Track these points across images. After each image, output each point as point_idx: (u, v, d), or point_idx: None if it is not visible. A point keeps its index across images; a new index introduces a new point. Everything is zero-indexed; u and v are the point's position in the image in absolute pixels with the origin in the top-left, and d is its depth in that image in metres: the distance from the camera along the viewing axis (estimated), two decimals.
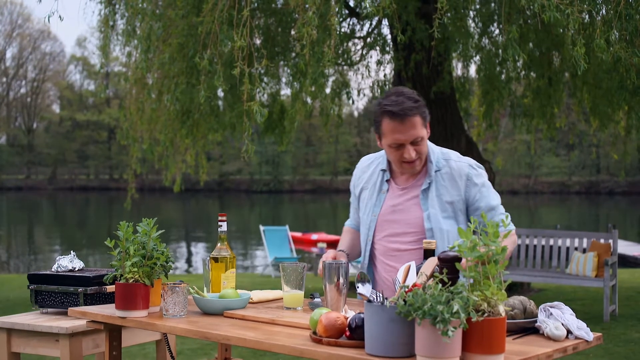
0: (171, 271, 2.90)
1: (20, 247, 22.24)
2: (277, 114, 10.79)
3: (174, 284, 2.67)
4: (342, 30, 10.13)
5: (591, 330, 2.32)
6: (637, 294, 9.73)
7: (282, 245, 13.78)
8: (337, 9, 7.08)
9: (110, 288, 3.56)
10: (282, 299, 2.94)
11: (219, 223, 3.01)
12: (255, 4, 8.94)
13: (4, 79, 58.92)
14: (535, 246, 8.57)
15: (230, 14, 7.14)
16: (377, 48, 10.33)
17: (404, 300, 1.96)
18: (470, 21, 9.87)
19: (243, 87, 6.86)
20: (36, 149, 59.39)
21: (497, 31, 9.88)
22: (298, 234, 19.20)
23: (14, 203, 46.29)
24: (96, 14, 18.26)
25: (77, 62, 61.31)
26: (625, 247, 15.89)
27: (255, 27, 8.60)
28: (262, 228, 14.01)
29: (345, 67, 11.12)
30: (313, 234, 19.77)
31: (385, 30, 10.43)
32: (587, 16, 7.00)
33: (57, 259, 3.76)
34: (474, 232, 2.10)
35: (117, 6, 9.42)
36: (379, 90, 10.88)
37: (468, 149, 9.42)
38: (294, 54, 9.54)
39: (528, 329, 2.35)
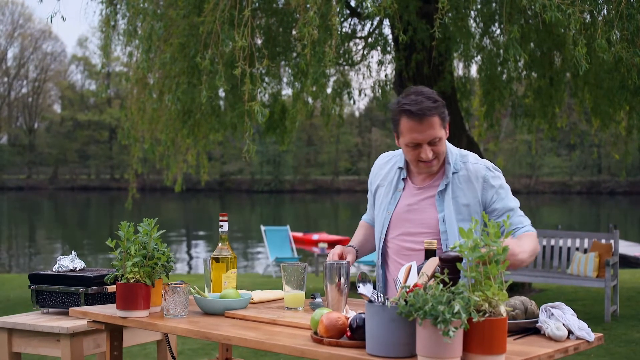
0: (172, 271, 2.90)
1: (21, 247, 22.25)
2: (278, 114, 10.79)
3: (175, 284, 2.67)
4: (343, 30, 10.14)
5: (592, 331, 2.32)
6: (638, 294, 9.72)
7: (283, 245, 13.77)
8: (338, 9, 7.08)
9: (112, 288, 3.56)
10: (283, 299, 2.93)
11: (220, 223, 3.01)
12: (257, 4, 8.94)
13: (6, 79, 58.96)
14: None
15: (231, 14, 7.14)
16: (378, 48, 10.34)
17: (405, 301, 1.96)
18: (472, 21, 9.87)
19: (244, 87, 6.86)
20: (37, 148, 59.42)
21: (498, 31, 9.88)
22: (299, 234, 19.20)
23: (15, 203, 46.32)
24: (97, 14, 18.28)
25: (78, 62, 61.37)
26: (627, 248, 15.88)
27: (257, 27, 8.60)
28: (263, 228, 14.02)
29: (346, 67, 11.12)
30: (314, 234, 19.77)
31: (387, 30, 10.44)
32: (588, 16, 7.00)
33: (58, 259, 3.76)
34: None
35: (118, 6, 9.43)
36: (380, 91, 10.89)
37: (469, 149, 9.35)
38: (295, 54, 9.54)
39: (529, 329, 2.35)
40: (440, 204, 2.86)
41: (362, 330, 2.11)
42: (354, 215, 35.13)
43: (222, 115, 10.12)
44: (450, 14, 8.65)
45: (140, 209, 31.87)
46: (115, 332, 2.85)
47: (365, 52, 10.77)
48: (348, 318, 2.23)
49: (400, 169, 3.00)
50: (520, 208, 2.93)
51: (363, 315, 2.14)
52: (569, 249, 8.44)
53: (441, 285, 1.97)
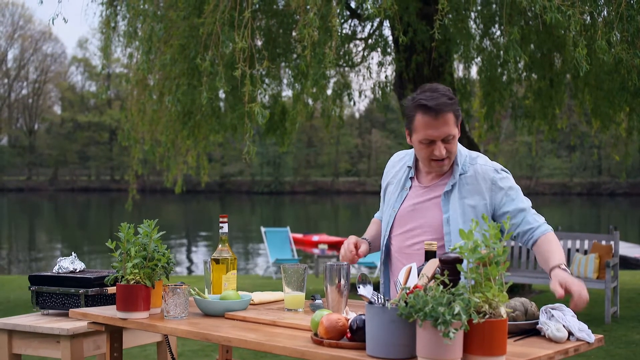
0: (172, 273, 2.90)
1: (22, 249, 22.25)
2: (279, 116, 10.79)
3: (175, 285, 2.67)
4: (344, 31, 10.14)
5: (592, 332, 2.31)
6: (639, 295, 9.72)
7: (283, 246, 13.77)
8: (338, 11, 7.08)
9: (112, 289, 3.56)
10: (283, 300, 2.93)
11: (220, 224, 3.01)
12: (257, 5, 8.95)
13: (6, 80, 58.98)
14: None
15: (231, 15, 7.15)
16: (379, 49, 10.34)
17: (405, 302, 1.96)
18: (472, 22, 9.87)
19: (244, 88, 6.87)
20: (37, 150, 59.43)
21: (498, 32, 9.88)
22: (299, 235, 19.19)
23: (15, 204, 46.32)
24: (97, 16, 18.28)
25: (78, 63, 61.41)
26: (627, 249, 15.87)
27: (257, 28, 8.60)
28: (263, 229, 14.01)
29: (346, 69, 11.13)
30: (314, 235, 19.76)
31: (387, 32, 10.44)
32: (588, 17, 7.00)
33: (58, 260, 3.76)
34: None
35: (118, 7, 9.43)
36: (380, 92, 10.89)
37: None
38: (295, 56, 9.55)
39: (529, 330, 2.35)
40: (446, 204, 2.85)
41: (362, 331, 2.11)
42: (354, 217, 35.14)
43: (222, 117, 10.12)
44: (450, 16, 8.65)
45: (140, 210, 31.86)
46: (115, 333, 2.85)
47: (365, 54, 10.77)
48: (348, 319, 2.23)
49: (409, 167, 2.98)
50: None
51: (363, 317, 2.14)
52: (569, 250, 8.44)
53: (441, 287, 1.97)
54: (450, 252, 2.16)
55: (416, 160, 2.98)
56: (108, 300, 3.56)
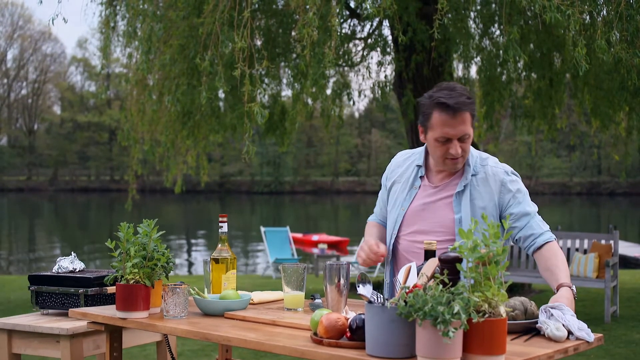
0: (172, 272, 2.90)
1: (21, 249, 22.25)
2: (278, 115, 10.79)
3: (175, 285, 2.67)
4: (343, 31, 10.14)
5: (592, 331, 2.31)
6: (638, 294, 9.72)
7: (282, 246, 13.77)
8: (337, 10, 7.08)
9: (111, 289, 3.56)
10: (282, 300, 2.93)
11: (220, 224, 3.01)
12: (256, 5, 8.94)
13: (5, 80, 58.98)
14: None
15: (231, 15, 7.14)
16: (378, 49, 10.34)
17: (405, 301, 1.96)
18: (471, 22, 9.87)
19: (244, 88, 6.87)
20: (37, 150, 59.43)
21: (497, 32, 9.88)
22: (299, 235, 19.20)
23: (15, 204, 46.32)
24: (97, 15, 18.26)
25: (78, 63, 61.41)
26: (626, 248, 15.88)
27: (256, 28, 8.60)
28: (262, 229, 14.01)
29: (346, 68, 11.12)
30: (314, 235, 19.77)
31: (386, 31, 10.44)
32: (588, 17, 7.00)
33: (57, 260, 3.76)
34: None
35: (117, 7, 9.43)
36: (379, 92, 10.89)
37: None
38: (294, 55, 9.55)
39: (531, 329, 2.35)
40: (457, 204, 2.84)
41: (362, 331, 2.11)
42: (354, 216, 35.14)
43: (221, 117, 10.12)
44: (449, 15, 8.65)
45: (140, 210, 31.87)
46: (115, 333, 2.85)
47: (364, 53, 10.77)
48: (348, 319, 2.23)
49: (419, 166, 2.97)
50: None
51: (363, 316, 2.14)
52: (568, 249, 8.45)
53: (441, 286, 1.97)
54: (449, 251, 2.16)
55: (426, 159, 2.97)
56: (108, 299, 3.56)
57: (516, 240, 2.86)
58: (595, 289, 9.38)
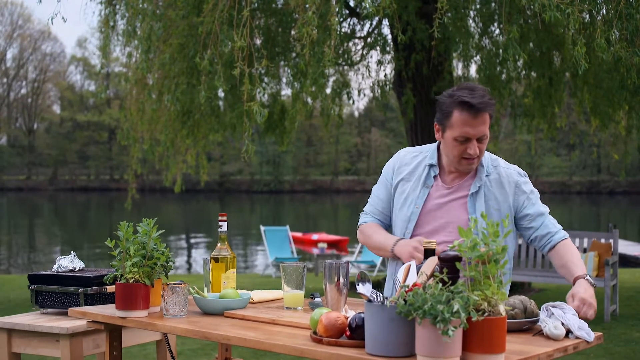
0: (171, 271, 2.90)
1: (21, 248, 22.25)
2: (278, 114, 10.78)
3: (175, 284, 2.67)
4: (343, 30, 10.13)
5: (592, 330, 2.32)
6: (638, 293, 9.72)
7: (282, 245, 13.77)
8: (337, 9, 7.08)
9: (111, 288, 3.56)
10: (282, 299, 2.93)
11: (220, 223, 3.00)
12: (256, 4, 8.94)
13: (5, 80, 58.96)
14: None
15: (230, 14, 7.14)
16: (378, 48, 10.33)
17: (404, 300, 1.96)
18: (471, 21, 9.86)
19: (243, 87, 6.86)
20: (37, 149, 59.41)
21: (497, 31, 9.87)
22: (299, 234, 19.20)
23: (15, 204, 46.31)
24: (96, 15, 18.25)
25: (77, 62, 61.38)
26: (626, 247, 15.87)
27: (256, 27, 8.59)
28: (262, 228, 14.02)
29: (345, 67, 11.12)
30: (313, 234, 19.77)
31: (386, 30, 10.43)
32: (587, 16, 7.00)
33: (57, 259, 3.76)
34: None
35: (117, 7, 9.43)
36: (379, 91, 10.88)
37: None
38: (294, 54, 9.54)
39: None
40: (472, 205, 2.84)
41: (362, 329, 2.11)
42: (354, 216, 35.10)
43: (221, 116, 10.11)
44: (449, 14, 8.65)
45: (139, 209, 31.86)
46: (114, 332, 2.85)
47: (364, 52, 10.77)
48: (347, 318, 2.23)
49: (430, 166, 2.93)
50: None
51: (362, 315, 2.14)
52: None
53: (440, 285, 1.97)
54: (449, 250, 2.16)
55: (439, 158, 2.94)
56: (107, 299, 3.56)
57: (531, 240, 2.90)
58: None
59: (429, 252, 2.43)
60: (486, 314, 1.94)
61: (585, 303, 2.53)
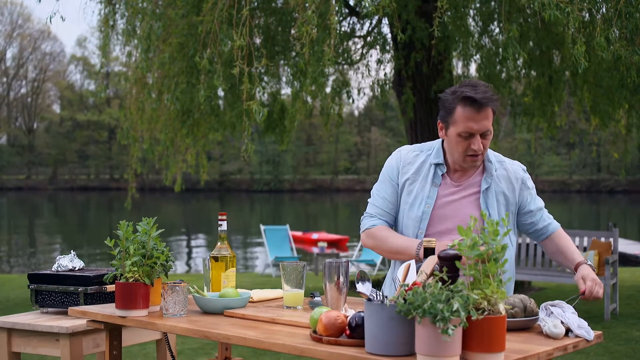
0: (171, 270, 2.90)
1: (21, 247, 22.25)
2: (278, 114, 10.78)
3: (174, 283, 2.67)
4: (342, 29, 10.13)
5: (592, 329, 2.31)
6: (638, 292, 9.72)
7: (282, 244, 13.77)
8: (336, 8, 7.08)
9: (111, 287, 3.56)
10: (282, 298, 2.93)
11: (219, 222, 3.00)
12: (255, 3, 8.94)
13: (5, 79, 58.96)
14: (535, 245, 8.57)
15: (230, 13, 7.14)
16: (377, 47, 10.33)
17: (404, 299, 1.96)
18: (470, 20, 9.86)
19: (242, 86, 6.86)
20: (37, 149, 59.41)
21: (497, 30, 9.88)
22: (298, 234, 19.20)
23: (15, 203, 46.31)
24: (96, 14, 18.27)
25: (77, 62, 61.37)
26: (626, 246, 15.88)
27: (255, 26, 8.59)
28: (262, 227, 14.02)
29: (345, 66, 11.11)
30: (313, 234, 19.77)
31: (385, 29, 10.43)
32: (587, 14, 7.00)
33: (57, 258, 3.76)
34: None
35: (117, 6, 9.42)
36: (379, 90, 10.88)
37: None
38: (294, 53, 9.54)
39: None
40: (484, 202, 2.86)
41: (361, 328, 2.11)
42: (354, 215, 35.12)
43: (221, 115, 10.11)
44: (449, 13, 8.65)
45: (139, 208, 31.87)
46: (114, 331, 2.85)
47: (364, 51, 10.76)
48: (347, 317, 2.23)
49: (437, 164, 2.91)
50: None
51: (362, 314, 2.14)
52: None
53: (440, 284, 1.97)
54: (449, 248, 2.16)
55: (444, 156, 2.92)
56: (107, 298, 3.56)
57: (530, 232, 3.00)
58: None
59: (428, 251, 2.43)
60: (486, 312, 1.94)
61: (596, 283, 2.72)
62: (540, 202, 2.99)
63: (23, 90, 60.86)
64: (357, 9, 10.06)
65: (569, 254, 2.92)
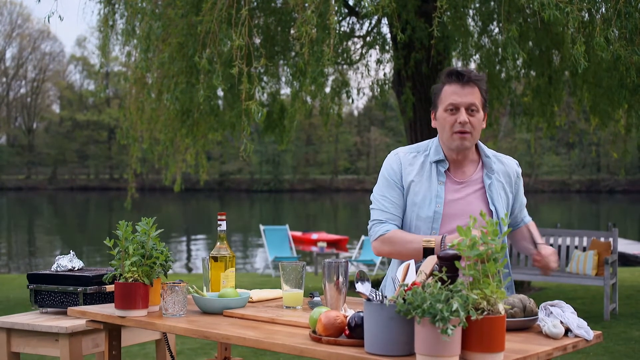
0: (171, 270, 2.90)
1: (20, 247, 22.25)
2: (277, 113, 10.79)
3: (174, 283, 2.67)
4: (342, 29, 10.13)
5: (591, 329, 2.31)
6: (638, 292, 9.73)
7: (282, 244, 13.77)
8: (336, 8, 7.08)
9: (110, 287, 3.56)
10: (281, 298, 2.93)
11: (219, 222, 3.00)
12: (254, 3, 8.94)
13: (4, 79, 58.95)
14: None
15: (229, 13, 7.14)
16: (377, 47, 10.33)
17: (404, 299, 1.96)
18: (470, 20, 9.87)
19: (242, 86, 6.86)
20: (36, 149, 59.41)
21: (496, 30, 9.88)
22: (298, 234, 19.19)
23: (14, 203, 46.30)
24: (95, 14, 18.26)
25: (76, 62, 61.39)
26: (626, 246, 15.88)
27: (255, 26, 8.59)
28: (262, 227, 14.01)
29: (344, 66, 11.12)
30: (313, 234, 19.75)
31: (385, 29, 10.43)
32: (586, 14, 7.00)
33: (56, 258, 3.76)
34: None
35: (116, 6, 9.42)
36: (378, 90, 10.89)
37: None
38: (293, 53, 9.54)
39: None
40: (490, 197, 2.88)
41: (361, 328, 2.11)
42: (353, 215, 35.14)
43: (220, 115, 10.11)
44: (448, 13, 8.65)
45: (139, 208, 31.86)
46: (113, 331, 2.85)
47: (363, 51, 10.77)
48: (346, 316, 2.23)
49: (437, 162, 2.89)
50: None
51: (361, 314, 2.14)
52: (568, 247, 8.45)
53: (439, 284, 1.96)
54: (448, 248, 2.16)
55: (444, 153, 2.91)
56: (106, 298, 3.56)
57: (509, 223, 3.06)
58: (595, 286, 9.38)
59: (427, 251, 2.43)
60: (485, 312, 1.94)
61: (553, 254, 2.81)
62: (524, 198, 3.08)
63: (22, 90, 60.92)
64: (357, 9, 10.06)
65: (535, 238, 2.98)
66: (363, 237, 13.31)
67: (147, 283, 2.69)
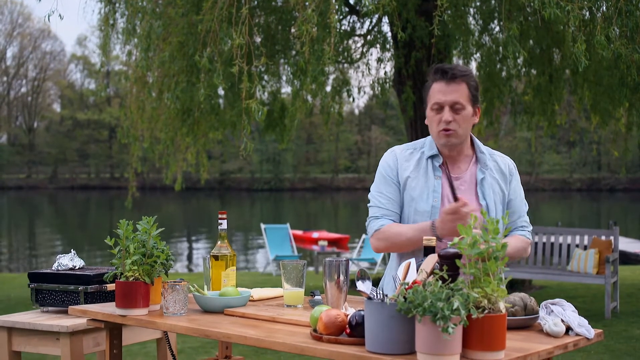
0: (171, 269, 2.90)
1: (21, 246, 22.26)
2: (278, 112, 10.78)
3: (175, 282, 2.67)
4: (342, 28, 10.13)
5: (592, 327, 2.31)
6: (638, 290, 9.73)
7: (283, 243, 13.77)
8: (336, 7, 7.08)
9: (111, 286, 3.56)
10: (282, 296, 2.93)
11: (220, 221, 3.00)
12: (255, 2, 8.94)
13: (5, 78, 58.96)
14: (536, 243, 8.58)
15: (229, 12, 7.14)
16: (378, 46, 10.33)
17: (404, 297, 1.96)
18: (471, 18, 9.86)
19: (242, 85, 6.86)
20: (37, 148, 59.41)
21: (497, 28, 9.88)
22: (299, 232, 19.19)
23: (15, 202, 46.32)
24: (96, 13, 18.26)
25: (77, 61, 61.39)
26: (627, 244, 15.88)
27: (255, 25, 8.59)
28: (263, 226, 14.02)
29: (345, 65, 11.12)
30: (314, 232, 19.76)
31: (386, 28, 10.43)
32: (587, 13, 7.00)
33: (57, 257, 3.76)
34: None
35: (117, 5, 9.42)
36: (379, 88, 10.89)
37: None
38: (294, 52, 9.54)
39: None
40: (481, 193, 2.88)
41: (362, 327, 2.11)
42: (354, 213, 35.13)
43: (221, 114, 10.11)
44: (449, 11, 8.65)
45: (140, 208, 31.87)
46: (114, 330, 2.85)
47: (364, 50, 10.76)
48: (347, 315, 2.23)
49: (432, 157, 2.90)
50: None
51: (362, 312, 2.14)
52: (569, 245, 8.45)
53: (440, 282, 1.96)
54: (449, 247, 2.16)
55: (439, 150, 2.93)
56: (107, 297, 3.56)
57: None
58: (596, 285, 9.38)
59: (428, 250, 2.43)
60: (486, 311, 1.94)
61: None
62: (522, 195, 3.00)
63: (23, 90, 60.92)
64: (357, 8, 10.05)
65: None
66: (364, 236, 13.31)
67: (148, 282, 2.69)
